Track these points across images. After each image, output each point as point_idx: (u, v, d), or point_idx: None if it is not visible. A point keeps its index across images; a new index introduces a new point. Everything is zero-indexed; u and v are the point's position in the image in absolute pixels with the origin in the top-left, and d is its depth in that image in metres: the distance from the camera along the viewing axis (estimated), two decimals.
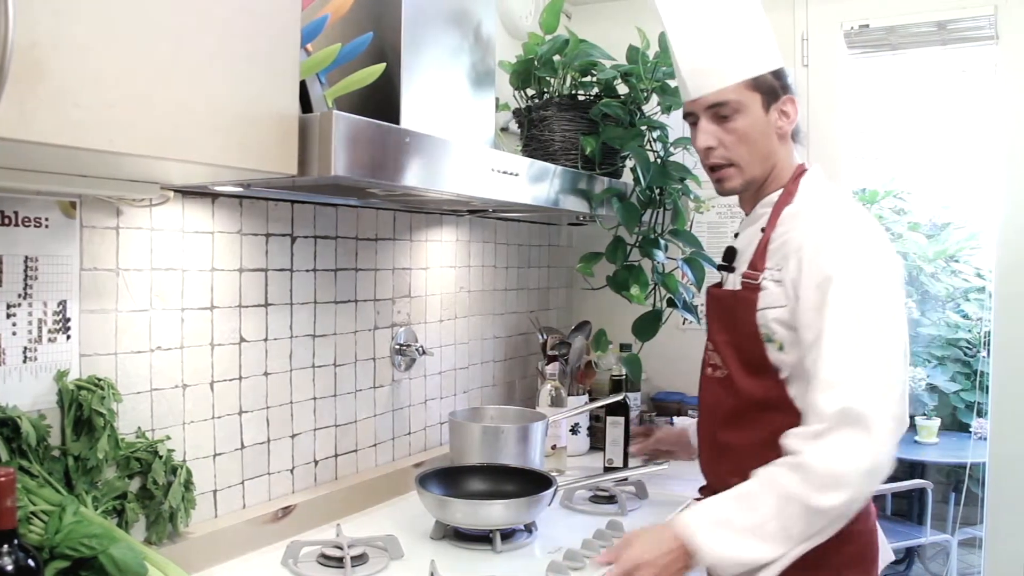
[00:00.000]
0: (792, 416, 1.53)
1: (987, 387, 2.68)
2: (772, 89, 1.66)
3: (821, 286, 1.48)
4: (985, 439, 2.72)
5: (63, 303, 1.44)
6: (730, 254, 1.77)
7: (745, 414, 1.65)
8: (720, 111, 1.65)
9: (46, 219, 1.41)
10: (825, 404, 1.40)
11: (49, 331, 1.42)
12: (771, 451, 1.46)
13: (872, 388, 1.41)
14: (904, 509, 4.35)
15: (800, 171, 1.70)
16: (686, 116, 1.73)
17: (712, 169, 1.71)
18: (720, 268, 1.80)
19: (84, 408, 1.43)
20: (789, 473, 1.40)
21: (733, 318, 1.66)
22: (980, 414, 4.23)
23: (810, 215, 1.61)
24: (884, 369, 1.43)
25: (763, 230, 1.67)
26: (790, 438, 1.44)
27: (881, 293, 1.49)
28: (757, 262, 1.63)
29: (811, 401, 1.44)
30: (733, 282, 1.74)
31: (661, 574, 1.42)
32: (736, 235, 1.83)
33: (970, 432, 4.35)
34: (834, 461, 1.37)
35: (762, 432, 1.56)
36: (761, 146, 1.66)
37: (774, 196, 1.69)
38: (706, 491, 1.89)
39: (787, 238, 1.59)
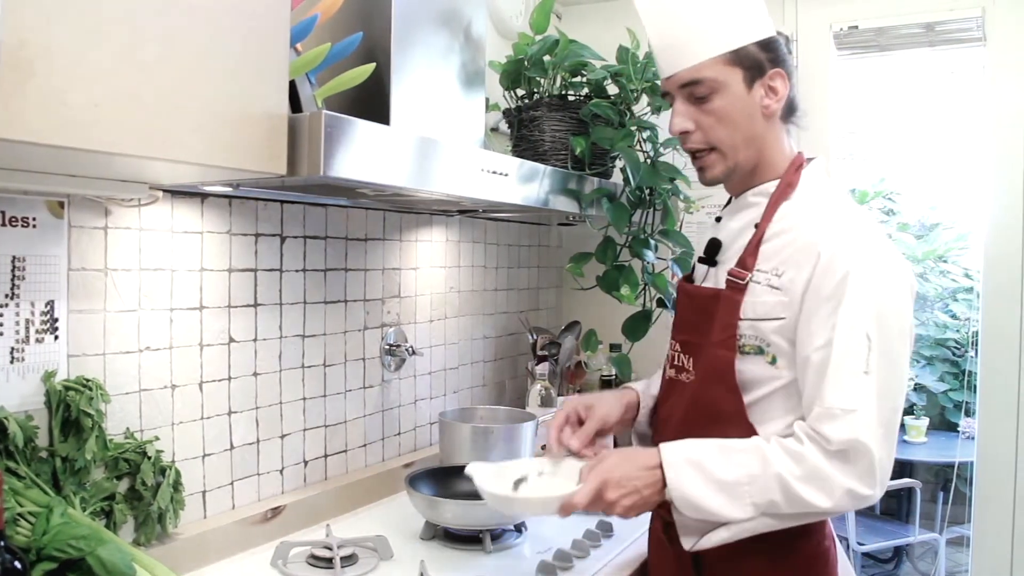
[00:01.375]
0: (747, 433, 1.40)
1: (975, 387, 2.69)
2: (756, 63, 1.45)
3: (833, 297, 1.34)
4: (973, 438, 2.73)
5: (51, 303, 1.43)
6: (714, 247, 1.57)
7: (701, 424, 1.46)
8: (695, 91, 1.46)
9: (34, 219, 1.41)
10: (833, 432, 1.30)
11: (37, 331, 1.42)
12: None
13: (880, 424, 1.31)
14: (893, 508, 4.37)
15: (800, 161, 1.53)
16: (663, 96, 1.57)
17: (693, 156, 1.53)
18: (701, 261, 1.60)
19: (72, 409, 1.42)
20: (783, 454, 1.32)
21: (710, 319, 1.48)
22: (968, 413, 4.26)
23: (817, 216, 1.44)
24: (892, 400, 1.34)
25: (757, 225, 1.49)
26: (799, 428, 1.34)
27: (896, 312, 1.37)
28: (747, 259, 1.46)
29: (817, 424, 1.32)
30: (715, 278, 1.54)
31: (629, 495, 1.35)
32: (718, 219, 1.63)
33: (958, 431, 4.37)
34: (830, 471, 1.29)
35: None
36: (744, 128, 1.47)
37: (769, 186, 1.51)
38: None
39: (789, 239, 1.43)
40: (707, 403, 1.47)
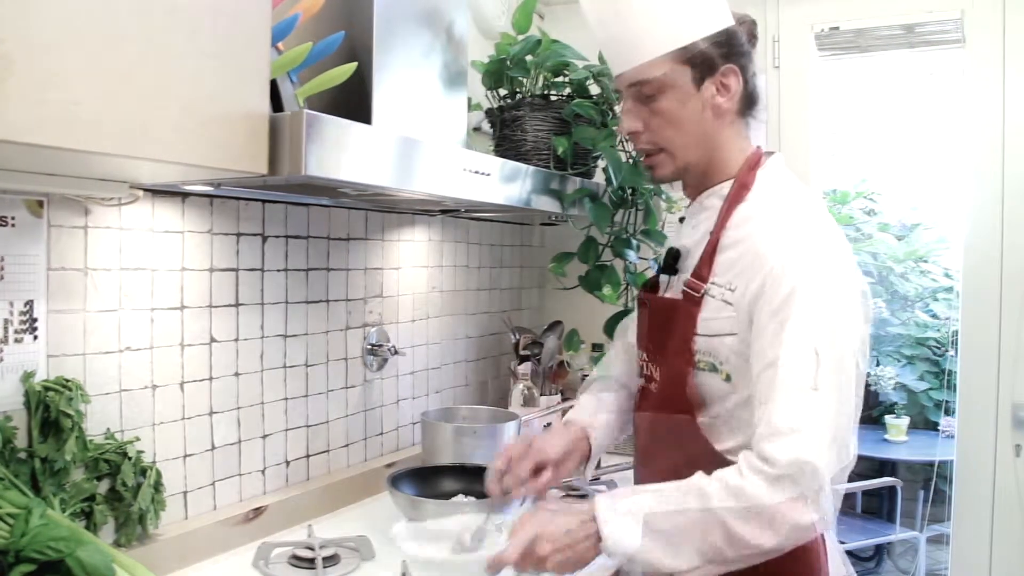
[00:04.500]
0: (704, 446, 1.37)
1: (955, 386, 2.71)
2: (707, 60, 1.38)
3: (780, 313, 1.27)
4: (953, 437, 2.75)
5: (30, 303, 1.43)
6: (673, 256, 1.50)
7: (663, 435, 1.46)
8: (642, 90, 1.40)
9: (12, 218, 1.40)
10: (778, 452, 1.20)
11: (15, 331, 1.41)
12: (680, 478, 1.28)
13: (829, 444, 1.22)
14: (874, 507, 4.39)
15: (756, 159, 1.44)
16: (615, 92, 1.50)
17: (644, 155, 1.47)
18: (661, 271, 1.54)
19: (51, 409, 1.41)
20: (723, 492, 1.22)
21: (669, 331, 1.42)
22: (948, 412, 4.28)
23: (769, 224, 1.35)
24: (843, 417, 1.26)
25: (713, 233, 1.41)
26: (743, 457, 1.25)
27: (845, 325, 1.29)
28: (702, 270, 1.39)
29: (762, 444, 1.23)
30: (675, 289, 1.48)
31: (562, 551, 1.25)
32: (682, 219, 1.59)
33: (938, 430, 4.40)
34: (771, 504, 1.19)
35: (675, 457, 1.41)
36: (693, 128, 1.41)
37: (724, 187, 1.44)
38: None
39: (742, 250, 1.35)
40: (669, 415, 1.42)
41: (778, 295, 1.27)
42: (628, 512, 1.25)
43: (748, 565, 1.24)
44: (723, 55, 1.39)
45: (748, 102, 1.46)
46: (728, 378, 1.35)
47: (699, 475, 1.26)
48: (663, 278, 1.54)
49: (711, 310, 1.36)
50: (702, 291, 1.37)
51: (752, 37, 1.47)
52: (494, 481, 1.55)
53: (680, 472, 1.29)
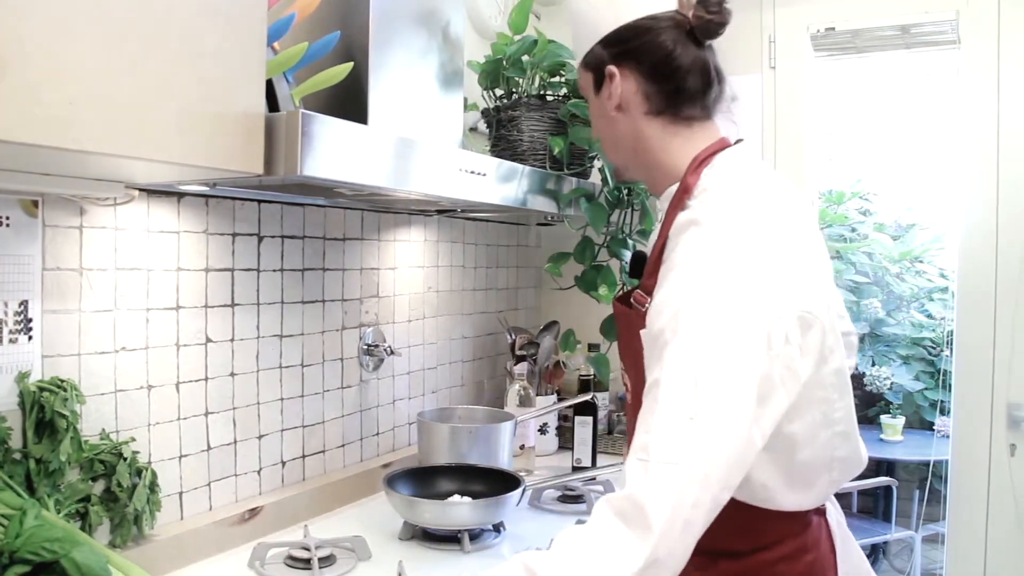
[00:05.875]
0: None
1: (950, 385, 2.71)
2: (599, 63, 1.33)
3: (664, 334, 1.13)
4: (948, 437, 2.75)
5: (24, 303, 1.42)
6: (638, 260, 1.44)
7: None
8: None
9: (7, 217, 1.39)
10: (635, 479, 1.07)
11: (10, 332, 1.40)
12: None
13: (695, 478, 1.06)
14: (870, 506, 4.40)
15: (704, 156, 1.30)
16: None
17: None
18: (630, 275, 1.48)
19: (46, 410, 1.41)
20: (576, 531, 1.10)
21: (629, 339, 1.32)
22: (943, 412, 4.29)
23: (693, 234, 1.19)
24: (723, 451, 1.08)
25: (656, 242, 1.30)
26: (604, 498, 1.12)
27: (733, 355, 1.10)
28: (647, 282, 1.28)
29: (627, 467, 1.11)
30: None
31: None
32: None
33: (934, 430, 4.41)
34: (617, 546, 1.05)
35: None
36: (606, 133, 1.38)
37: (671, 190, 1.31)
38: None
39: (670, 263, 1.20)
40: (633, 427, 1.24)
41: (666, 313, 1.14)
42: None
43: None
44: (614, 55, 1.32)
45: (668, 100, 1.33)
46: None
47: (528, 553, 1.12)
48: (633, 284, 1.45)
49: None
50: (646, 304, 1.23)
51: (686, 24, 1.31)
52: None
53: None
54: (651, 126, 1.34)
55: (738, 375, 1.10)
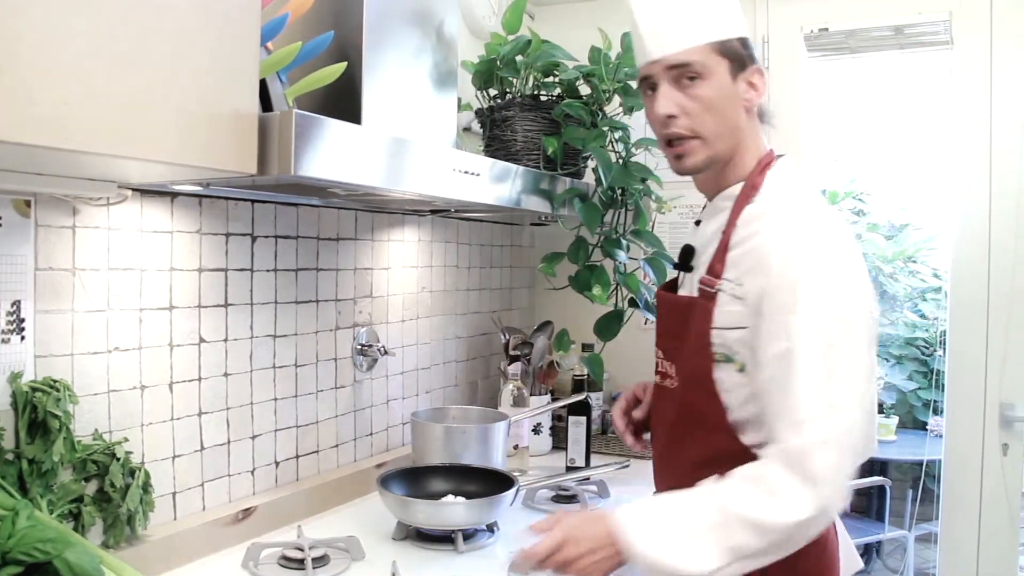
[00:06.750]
0: (731, 440, 1.41)
1: (943, 385, 2.72)
2: (740, 57, 1.45)
3: (786, 306, 1.31)
4: (941, 436, 2.76)
5: (17, 303, 1.42)
6: (687, 253, 1.58)
7: (687, 430, 1.49)
8: (685, 72, 1.43)
9: (0, 217, 1.39)
10: (798, 441, 1.26)
11: (3, 332, 1.40)
12: (706, 471, 1.34)
13: (843, 429, 1.27)
14: (864, 506, 4.41)
15: (767, 161, 1.50)
16: (642, 81, 1.52)
17: (670, 143, 1.48)
18: (676, 267, 1.61)
19: (39, 410, 1.41)
20: (741, 485, 1.28)
21: (686, 327, 1.48)
22: (936, 412, 4.31)
23: (775, 222, 1.40)
24: (858, 404, 1.29)
25: (724, 231, 1.47)
26: (765, 449, 1.32)
27: (853, 314, 1.32)
28: (716, 266, 1.44)
29: (775, 432, 1.30)
30: (690, 286, 1.54)
31: (586, 556, 1.32)
32: (698, 223, 1.61)
33: (927, 430, 4.42)
34: (792, 485, 1.25)
35: (701, 451, 1.45)
36: (728, 117, 1.46)
37: (735, 189, 1.49)
38: None
39: (749, 247, 1.40)
40: (693, 410, 1.46)
41: (783, 289, 1.32)
42: (648, 522, 1.31)
43: (778, 556, 1.28)
44: (749, 57, 1.47)
45: (763, 108, 1.54)
46: (742, 369, 1.39)
47: (714, 478, 1.32)
48: (680, 276, 1.61)
49: (723, 304, 1.41)
50: (716, 287, 1.42)
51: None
52: (619, 417, 1.70)
53: (704, 466, 1.35)
54: (753, 126, 1.51)
55: (861, 338, 1.32)
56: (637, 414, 1.71)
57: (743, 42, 1.47)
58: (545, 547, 1.33)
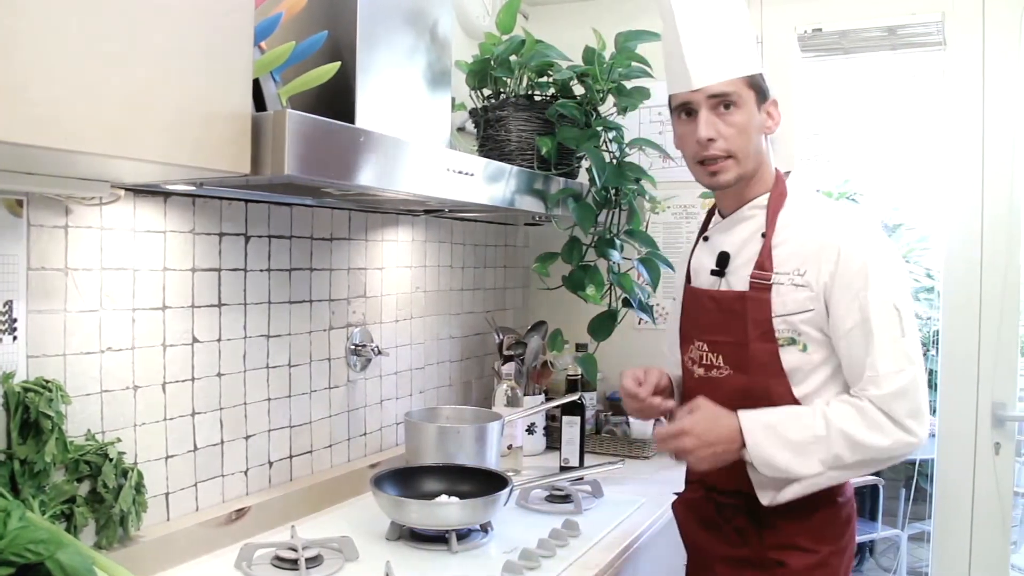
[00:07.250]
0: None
1: (935, 385, 2.73)
2: (763, 89, 1.71)
3: (855, 284, 1.59)
4: (934, 436, 2.76)
5: (9, 303, 1.41)
6: (724, 259, 1.76)
7: (748, 408, 1.66)
8: (723, 101, 1.66)
9: None
10: (886, 388, 1.56)
11: None
12: None
13: (920, 375, 1.59)
14: (856, 505, 4.42)
15: (782, 174, 1.77)
16: (679, 107, 1.72)
17: (704, 162, 1.69)
18: (713, 273, 1.77)
19: (31, 411, 1.40)
20: (843, 409, 1.59)
21: (740, 319, 1.68)
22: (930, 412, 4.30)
23: (822, 219, 1.69)
24: (921, 356, 1.62)
25: (764, 234, 1.70)
26: (855, 392, 1.61)
27: (905, 285, 1.66)
28: (765, 263, 1.67)
29: (868, 387, 1.58)
30: (733, 283, 1.73)
31: (705, 448, 1.62)
32: (707, 238, 1.83)
33: None
34: (885, 418, 1.56)
35: None
36: (755, 141, 1.70)
37: (762, 199, 1.73)
38: (685, 493, 1.92)
39: (803, 241, 1.66)
40: (759, 393, 1.66)
41: (852, 270, 1.60)
42: (766, 426, 1.61)
43: (864, 472, 1.64)
44: (767, 90, 1.72)
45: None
46: (805, 348, 1.65)
47: (819, 402, 1.63)
48: (707, 279, 1.80)
49: (782, 294, 1.65)
50: (771, 280, 1.66)
51: None
52: (633, 383, 1.85)
53: None
54: (766, 147, 1.76)
55: (911, 303, 1.64)
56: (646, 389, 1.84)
57: (762, 76, 1.71)
58: (672, 430, 1.65)
